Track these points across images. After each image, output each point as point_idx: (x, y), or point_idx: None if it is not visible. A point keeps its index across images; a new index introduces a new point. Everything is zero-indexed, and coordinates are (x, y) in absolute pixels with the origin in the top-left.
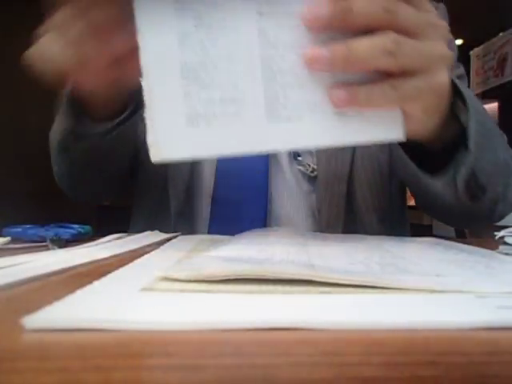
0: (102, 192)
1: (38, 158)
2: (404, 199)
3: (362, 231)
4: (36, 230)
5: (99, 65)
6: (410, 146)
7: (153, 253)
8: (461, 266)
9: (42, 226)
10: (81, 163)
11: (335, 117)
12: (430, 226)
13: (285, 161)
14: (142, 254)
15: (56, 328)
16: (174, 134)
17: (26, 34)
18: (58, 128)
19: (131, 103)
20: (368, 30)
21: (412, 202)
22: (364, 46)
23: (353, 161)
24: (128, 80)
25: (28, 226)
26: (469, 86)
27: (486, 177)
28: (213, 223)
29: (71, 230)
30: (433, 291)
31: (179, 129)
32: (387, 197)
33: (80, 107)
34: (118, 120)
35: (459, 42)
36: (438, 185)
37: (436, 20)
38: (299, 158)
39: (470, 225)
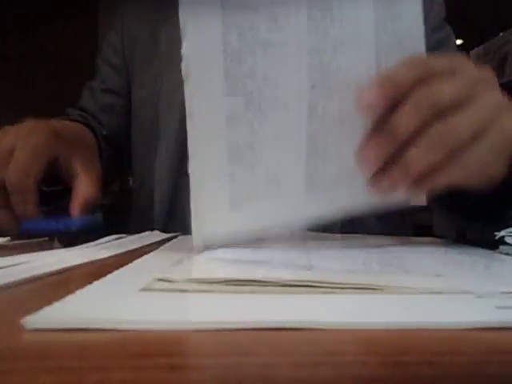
0: None
1: None
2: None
3: (360, 231)
4: (46, 223)
5: None
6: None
7: (153, 253)
8: (461, 265)
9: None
10: None
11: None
12: (430, 226)
13: None
14: (142, 254)
15: (56, 328)
16: (218, 220)
17: None
18: None
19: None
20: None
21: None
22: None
23: None
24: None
25: (39, 220)
26: None
27: None
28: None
29: (81, 221)
30: (432, 291)
31: (223, 214)
32: None
33: None
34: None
35: (459, 42)
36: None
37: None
38: None
39: None
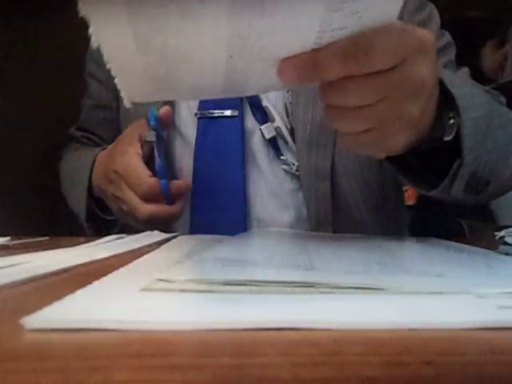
0: None
1: (27, 156)
2: (400, 191)
3: (353, 226)
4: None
5: None
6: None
7: (153, 253)
8: (461, 266)
9: None
10: None
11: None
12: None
13: (264, 163)
14: (142, 254)
15: (56, 328)
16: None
17: None
18: (71, 195)
19: None
20: None
21: (411, 202)
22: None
23: (334, 154)
24: None
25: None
26: None
27: (489, 169)
28: (192, 232)
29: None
30: (432, 291)
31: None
32: (379, 188)
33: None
34: None
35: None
36: (433, 193)
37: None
38: (282, 158)
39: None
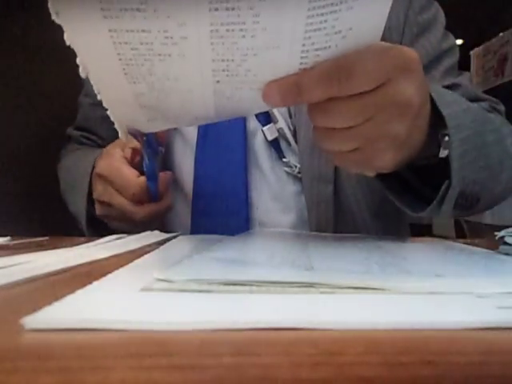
0: None
1: (21, 157)
2: None
3: (354, 230)
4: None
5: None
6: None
7: (153, 253)
8: (461, 266)
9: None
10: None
11: None
12: (430, 226)
13: (266, 165)
14: (142, 254)
15: (56, 328)
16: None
17: None
18: (70, 199)
19: None
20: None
21: None
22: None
23: None
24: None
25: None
26: None
27: (479, 186)
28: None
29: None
30: (432, 291)
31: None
32: (381, 192)
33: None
34: None
35: (459, 41)
36: (422, 215)
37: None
38: (284, 160)
39: None
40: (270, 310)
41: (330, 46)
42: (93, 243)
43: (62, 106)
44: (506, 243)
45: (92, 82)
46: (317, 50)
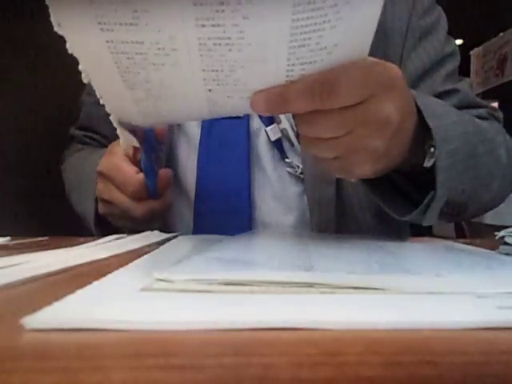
0: None
1: (21, 157)
2: None
3: (355, 230)
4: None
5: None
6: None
7: (153, 253)
8: (461, 266)
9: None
10: None
11: None
12: (430, 226)
13: (268, 165)
14: (142, 254)
15: (56, 328)
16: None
17: None
18: (75, 199)
19: None
20: None
21: None
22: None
23: None
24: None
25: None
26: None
27: (467, 195)
28: (195, 234)
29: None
30: (432, 291)
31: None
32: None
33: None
34: None
35: (459, 41)
36: (407, 219)
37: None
38: (287, 160)
39: None
40: (270, 310)
41: (315, 61)
42: (93, 243)
43: (63, 106)
44: (506, 243)
45: (94, 87)
46: (302, 64)
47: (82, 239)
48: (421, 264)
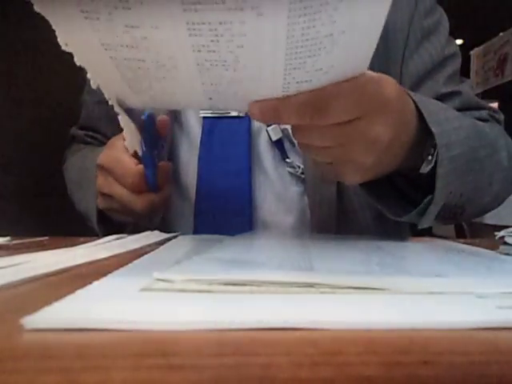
0: None
1: (21, 157)
2: None
3: (356, 230)
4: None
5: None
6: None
7: (153, 253)
8: (461, 266)
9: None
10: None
11: None
12: (430, 226)
13: (269, 165)
14: (142, 254)
15: (56, 328)
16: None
17: None
18: (77, 198)
19: None
20: None
21: None
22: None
23: None
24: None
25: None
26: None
27: (466, 198)
28: (196, 234)
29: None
30: (432, 291)
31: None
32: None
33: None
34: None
35: (459, 41)
36: (403, 220)
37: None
38: (288, 160)
39: None
40: (270, 310)
41: (311, 80)
42: (93, 243)
43: (63, 106)
44: (506, 243)
45: (103, 91)
46: (298, 82)
47: (82, 239)
48: (421, 264)
